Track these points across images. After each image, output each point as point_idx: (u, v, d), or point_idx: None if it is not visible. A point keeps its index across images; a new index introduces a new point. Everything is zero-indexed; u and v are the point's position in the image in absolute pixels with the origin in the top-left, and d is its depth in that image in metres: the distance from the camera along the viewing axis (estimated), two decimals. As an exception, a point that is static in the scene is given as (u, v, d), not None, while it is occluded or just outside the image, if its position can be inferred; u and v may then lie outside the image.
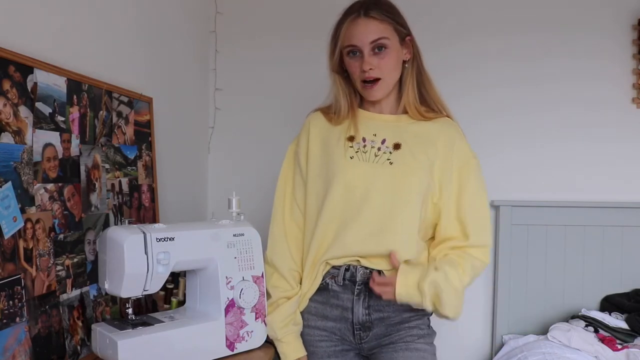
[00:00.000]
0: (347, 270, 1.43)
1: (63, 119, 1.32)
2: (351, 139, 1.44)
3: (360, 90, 1.46)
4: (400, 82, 1.47)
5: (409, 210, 1.39)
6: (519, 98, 2.49)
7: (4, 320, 1.09)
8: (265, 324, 1.47)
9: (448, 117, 1.50)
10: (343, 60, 1.46)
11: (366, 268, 1.42)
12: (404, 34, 1.44)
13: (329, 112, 1.51)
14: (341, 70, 1.48)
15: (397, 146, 1.42)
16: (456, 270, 1.37)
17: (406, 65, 1.47)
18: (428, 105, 1.49)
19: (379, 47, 1.39)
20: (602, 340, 2.10)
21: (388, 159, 1.41)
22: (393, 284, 1.34)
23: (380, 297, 1.40)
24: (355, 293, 1.43)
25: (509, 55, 2.48)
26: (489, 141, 2.47)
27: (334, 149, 1.45)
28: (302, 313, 1.50)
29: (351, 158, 1.42)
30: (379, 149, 1.42)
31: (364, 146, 1.43)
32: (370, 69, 1.39)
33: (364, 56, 1.39)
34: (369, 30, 1.38)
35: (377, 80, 1.41)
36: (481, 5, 2.49)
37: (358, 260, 1.42)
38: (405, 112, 1.48)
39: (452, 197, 1.43)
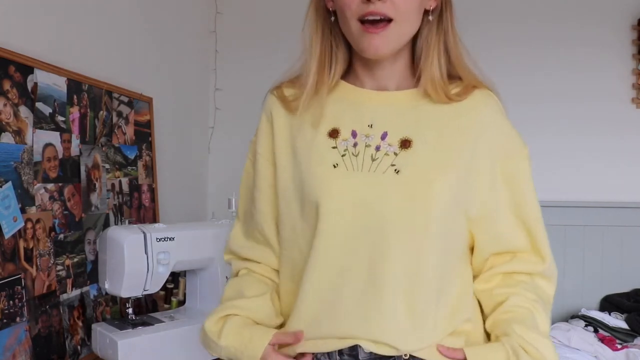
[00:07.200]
0: (340, 354, 0.87)
1: (63, 119, 1.32)
2: (334, 133, 0.90)
3: (354, 39, 0.88)
4: (414, 42, 0.93)
5: (435, 247, 0.86)
6: (516, 96, 2.48)
7: (5, 320, 1.10)
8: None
9: (486, 89, 0.95)
10: None
11: (373, 353, 0.86)
12: None
13: (293, 87, 0.97)
14: (327, 13, 0.94)
15: (406, 143, 0.88)
16: (540, 334, 0.88)
17: (429, 17, 0.92)
18: (454, 77, 0.94)
19: None
20: (602, 340, 2.10)
21: (392, 165, 0.86)
22: None
23: None
24: None
25: (506, 50, 2.47)
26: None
27: (305, 151, 0.91)
28: None
29: (335, 167, 0.88)
30: (377, 148, 0.88)
31: (355, 145, 0.89)
32: None
33: None
34: None
35: (385, 22, 0.85)
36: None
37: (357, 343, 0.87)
38: (415, 87, 0.93)
39: (501, 200, 0.92)
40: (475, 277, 0.96)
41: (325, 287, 0.87)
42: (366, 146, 0.89)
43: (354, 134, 0.90)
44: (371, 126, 0.90)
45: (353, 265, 0.86)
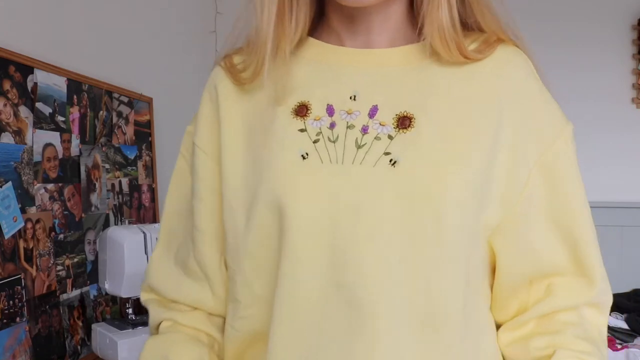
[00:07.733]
0: None
1: (63, 119, 1.32)
2: (302, 110, 0.64)
3: None
4: None
5: (452, 270, 0.61)
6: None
7: (5, 320, 1.10)
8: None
9: (512, 44, 0.69)
10: None
11: None
12: None
13: (244, 53, 0.72)
14: None
15: (404, 122, 0.61)
16: None
17: None
18: (470, 27, 0.67)
19: None
20: (602, 340, 2.10)
21: (387, 154, 0.60)
22: None
23: None
24: None
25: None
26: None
27: (262, 139, 0.65)
28: None
29: (304, 158, 0.62)
30: (364, 129, 0.62)
31: (332, 125, 0.63)
32: None
33: None
34: None
35: None
36: None
37: None
38: (417, 41, 0.65)
39: (534, 200, 0.65)
40: (499, 321, 0.68)
41: (302, 335, 0.60)
42: (348, 127, 0.62)
43: (330, 111, 0.63)
44: (354, 98, 0.63)
45: (335, 301, 0.59)
